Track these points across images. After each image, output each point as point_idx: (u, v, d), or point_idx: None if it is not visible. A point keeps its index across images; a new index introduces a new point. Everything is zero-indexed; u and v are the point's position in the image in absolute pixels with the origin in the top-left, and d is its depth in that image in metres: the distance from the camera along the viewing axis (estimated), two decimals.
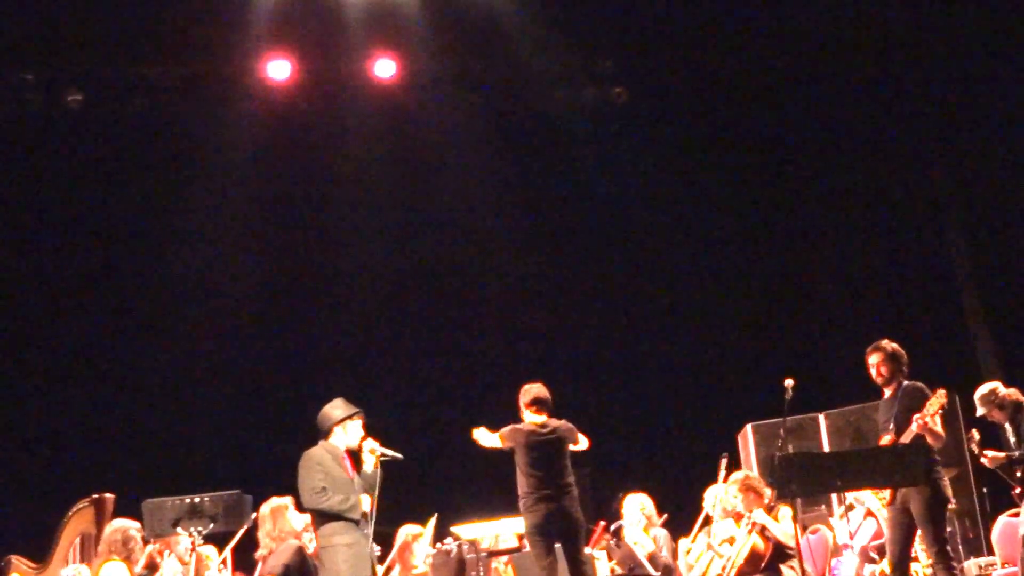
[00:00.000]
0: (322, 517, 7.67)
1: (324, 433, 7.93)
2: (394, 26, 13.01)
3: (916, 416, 8.00)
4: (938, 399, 8.05)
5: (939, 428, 8.03)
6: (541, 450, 8.74)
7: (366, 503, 7.80)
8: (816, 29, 13.57)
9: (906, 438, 7.98)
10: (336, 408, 7.98)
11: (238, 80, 13.27)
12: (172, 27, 12.61)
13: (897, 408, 8.18)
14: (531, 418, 8.91)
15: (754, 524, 9.25)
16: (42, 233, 13.55)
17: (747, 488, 9.46)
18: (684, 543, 10.20)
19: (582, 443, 9.02)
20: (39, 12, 12.20)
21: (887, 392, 8.36)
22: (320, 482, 7.61)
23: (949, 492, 8.17)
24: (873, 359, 8.34)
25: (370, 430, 8.18)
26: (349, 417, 7.96)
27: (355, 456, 8.02)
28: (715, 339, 14.68)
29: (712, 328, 14.74)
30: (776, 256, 14.88)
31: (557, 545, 8.69)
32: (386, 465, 8.15)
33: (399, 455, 8.05)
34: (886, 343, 8.36)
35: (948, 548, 8.04)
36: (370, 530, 7.85)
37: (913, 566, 8.46)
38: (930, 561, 8.26)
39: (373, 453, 7.94)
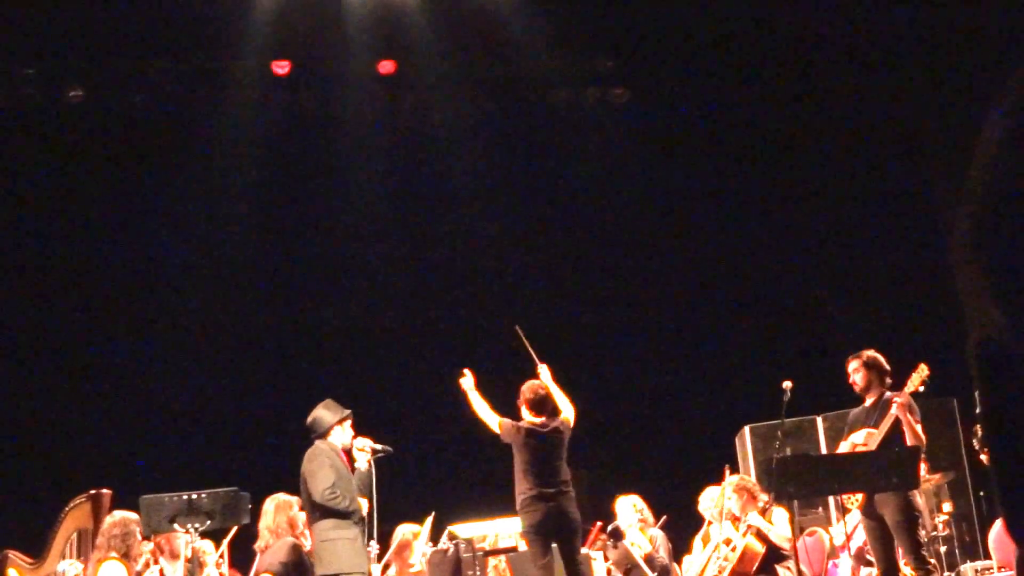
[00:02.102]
0: (324, 513, 7.74)
1: (321, 435, 8.01)
2: (395, 26, 13.01)
3: (896, 395, 8.05)
4: (919, 374, 8.09)
5: (918, 427, 8.05)
6: (539, 450, 8.77)
7: (364, 506, 7.90)
8: (817, 28, 13.57)
9: (878, 437, 8.04)
10: (330, 410, 8.11)
11: (241, 77, 13.27)
12: (173, 23, 12.61)
13: (878, 416, 8.21)
14: (529, 418, 8.93)
15: (749, 526, 9.26)
16: (41, 228, 13.55)
17: (742, 490, 9.48)
18: (688, 560, 10.19)
19: (569, 409, 9.05)
20: (40, 7, 12.20)
21: (868, 401, 8.40)
22: (331, 479, 7.71)
23: (920, 503, 8.23)
24: (851, 367, 8.40)
25: (370, 429, 8.25)
26: (342, 419, 8.07)
27: (348, 455, 8.12)
28: (713, 340, 14.68)
29: (710, 329, 14.74)
30: (775, 257, 14.86)
31: (554, 545, 8.70)
32: (384, 463, 8.21)
33: (389, 448, 8.16)
34: (864, 352, 8.40)
35: (924, 553, 8.09)
36: (365, 529, 7.97)
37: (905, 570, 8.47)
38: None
39: (363, 451, 8.03)
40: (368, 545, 9.30)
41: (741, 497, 9.43)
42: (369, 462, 8.08)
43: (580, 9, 13.40)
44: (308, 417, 8.29)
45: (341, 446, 8.08)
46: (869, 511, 8.18)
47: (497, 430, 8.90)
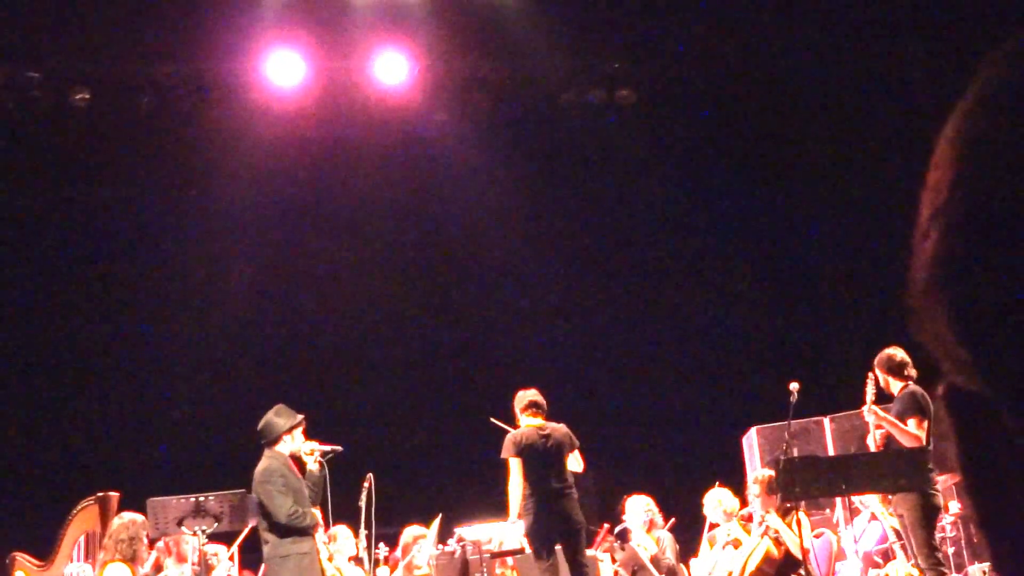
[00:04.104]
0: (283, 530, 7.73)
1: (271, 442, 7.97)
2: (401, 28, 13.01)
3: (864, 409, 8.10)
4: (870, 384, 8.13)
5: (916, 429, 8.01)
6: (540, 453, 8.75)
7: (318, 515, 8.04)
8: (824, 28, 13.55)
9: (873, 438, 8.07)
10: (282, 416, 8.05)
11: (246, 80, 13.27)
12: (180, 26, 12.62)
13: (891, 413, 8.24)
14: (528, 421, 8.91)
15: (767, 528, 9.20)
16: (47, 231, 13.57)
17: (770, 490, 9.36)
18: (694, 563, 10.15)
19: (579, 464, 9.02)
20: (46, 10, 12.21)
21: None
22: (290, 501, 7.69)
23: (940, 500, 8.20)
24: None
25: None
26: (295, 426, 8.02)
27: (297, 460, 8.09)
28: (721, 342, 14.67)
29: (718, 330, 14.73)
30: (783, 258, 14.86)
31: (558, 547, 8.70)
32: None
33: (338, 448, 8.12)
34: (883, 351, 8.39)
35: (938, 554, 8.07)
36: (321, 536, 8.06)
37: (914, 572, 8.46)
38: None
39: (312, 454, 8.01)
40: (377, 547, 9.34)
41: (768, 499, 9.32)
42: (320, 463, 8.05)
43: (586, 10, 13.39)
44: (260, 422, 8.21)
45: (289, 453, 8.02)
46: (892, 509, 8.24)
47: (518, 463, 8.76)
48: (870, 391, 8.18)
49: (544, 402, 9.04)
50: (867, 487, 8.11)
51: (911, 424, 8.03)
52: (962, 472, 1.19)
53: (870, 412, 8.11)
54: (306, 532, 7.77)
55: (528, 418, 8.94)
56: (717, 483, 10.12)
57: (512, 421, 9.10)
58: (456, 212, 14.55)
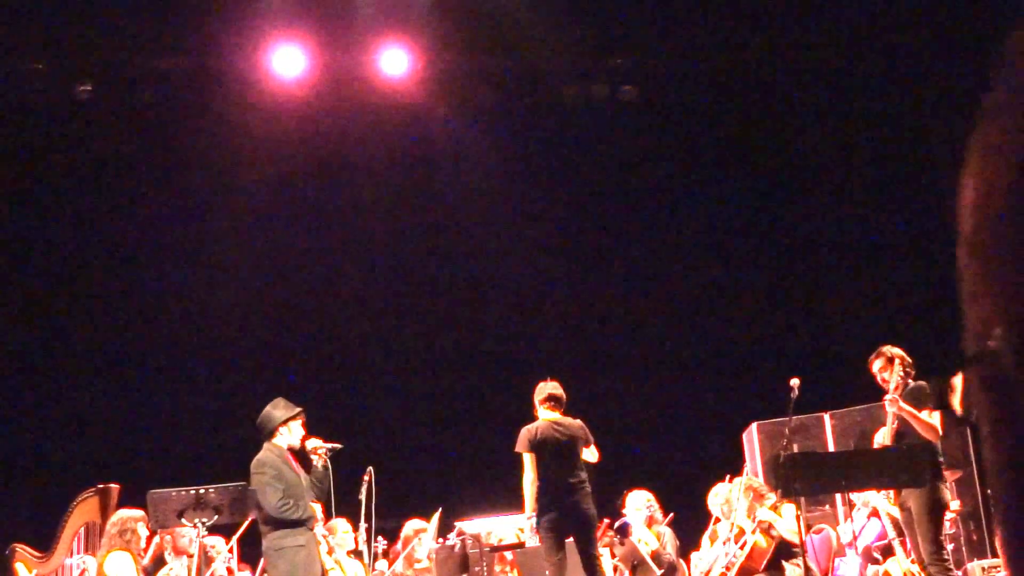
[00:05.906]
0: (276, 523, 7.72)
1: (268, 434, 7.96)
2: (404, 21, 13.01)
3: (888, 397, 8.04)
4: (896, 370, 8.08)
5: (929, 419, 8.01)
6: (555, 447, 8.75)
7: (318, 511, 7.95)
8: (827, 27, 13.55)
9: (888, 436, 8.05)
10: (278, 409, 8.04)
11: (250, 73, 13.27)
12: (183, 18, 12.61)
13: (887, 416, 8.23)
14: (545, 414, 8.91)
15: (760, 522, 9.23)
16: (49, 224, 13.58)
17: (748, 488, 9.43)
18: (695, 557, 10.16)
19: (593, 454, 9.02)
20: (49, 2, 12.21)
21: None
22: (279, 492, 7.66)
23: (948, 496, 8.20)
24: (875, 366, 8.34)
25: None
26: (292, 417, 8.01)
27: (298, 454, 8.08)
28: (721, 337, 14.67)
29: (718, 326, 14.73)
30: (783, 254, 14.86)
31: (569, 540, 8.71)
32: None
33: (338, 444, 8.13)
34: (885, 348, 8.35)
35: (944, 551, 8.07)
36: (321, 530, 8.04)
37: (913, 568, 8.47)
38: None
39: (316, 452, 8.01)
40: (377, 541, 9.34)
41: (748, 496, 9.40)
42: (325, 461, 8.06)
43: (590, 6, 13.38)
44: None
45: (288, 447, 7.99)
46: (901, 502, 8.23)
47: (531, 462, 8.77)
48: (894, 381, 8.11)
49: (563, 396, 9.03)
50: (868, 483, 8.12)
51: (925, 414, 8.04)
52: (994, 454, 1.15)
53: (892, 403, 8.05)
54: (301, 524, 7.76)
55: (546, 411, 8.94)
56: (728, 477, 10.09)
57: (523, 412, 9.08)
58: (457, 206, 14.55)
